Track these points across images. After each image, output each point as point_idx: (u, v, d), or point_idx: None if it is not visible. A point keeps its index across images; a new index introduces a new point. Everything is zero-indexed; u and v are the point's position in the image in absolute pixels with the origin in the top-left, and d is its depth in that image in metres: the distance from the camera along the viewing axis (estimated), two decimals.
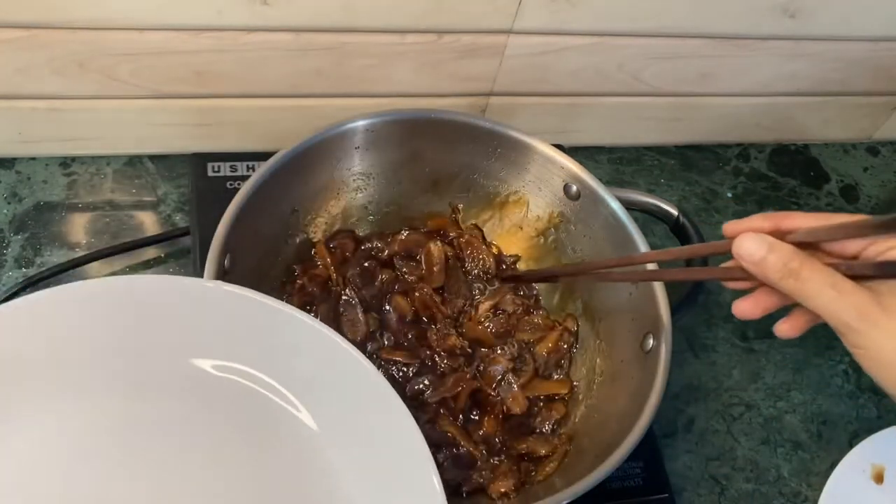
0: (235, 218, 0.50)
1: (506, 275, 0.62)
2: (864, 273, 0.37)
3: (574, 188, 0.59)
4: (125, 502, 0.40)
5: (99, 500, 0.40)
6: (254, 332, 0.43)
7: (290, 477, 0.41)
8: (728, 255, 0.41)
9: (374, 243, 0.62)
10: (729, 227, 0.43)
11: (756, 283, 0.42)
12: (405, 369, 0.56)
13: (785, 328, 0.43)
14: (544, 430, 0.57)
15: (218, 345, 0.43)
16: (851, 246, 0.39)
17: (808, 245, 0.40)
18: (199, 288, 0.43)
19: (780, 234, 0.40)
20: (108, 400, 0.42)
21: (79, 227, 0.63)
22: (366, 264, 0.60)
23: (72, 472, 0.40)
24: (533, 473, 0.54)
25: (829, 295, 0.37)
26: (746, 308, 0.43)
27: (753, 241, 0.39)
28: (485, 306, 0.61)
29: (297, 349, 0.42)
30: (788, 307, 0.44)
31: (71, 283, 0.42)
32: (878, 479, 0.62)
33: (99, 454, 0.41)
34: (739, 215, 0.71)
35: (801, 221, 0.41)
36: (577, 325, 0.61)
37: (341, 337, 0.42)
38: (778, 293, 0.41)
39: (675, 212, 0.60)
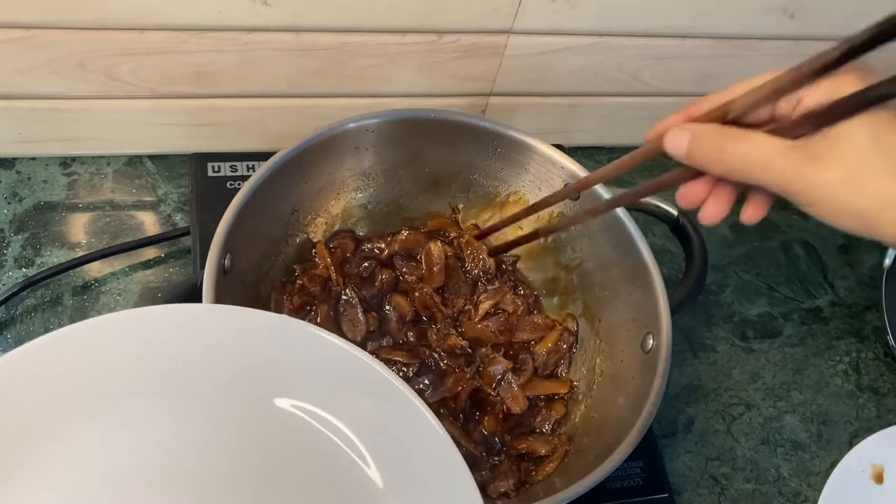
0: (235, 218, 0.50)
1: (495, 249, 0.61)
2: (802, 132, 0.36)
3: None
4: None
5: None
6: (333, 378, 0.42)
7: None
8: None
9: (374, 243, 0.62)
10: (648, 133, 0.42)
11: (699, 175, 0.41)
12: (405, 369, 0.56)
13: (749, 213, 0.42)
14: (544, 430, 0.57)
15: (300, 386, 0.43)
16: (784, 106, 0.38)
17: (742, 118, 0.39)
18: (284, 325, 0.42)
19: (708, 117, 0.39)
20: (184, 425, 0.42)
21: (79, 227, 0.63)
22: (366, 264, 0.60)
23: (135, 492, 0.40)
24: (533, 473, 0.54)
25: (758, 166, 0.36)
26: (711, 210, 0.41)
27: (675, 133, 0.39)
28: (485, 306, 0.61)
29: (373, 401, 0.42)
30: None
31: (156, 307, 0.41)
32: (878, 479, 0.62)
33: (167, 478, 0.41)
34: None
35: (708, 104, 0.40)
36: (577, 325, 0.61)
37: (417, 396, 0.41)
38: (732, 182, 0.40)
39: (675, 212, 0.60)
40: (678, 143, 0.39)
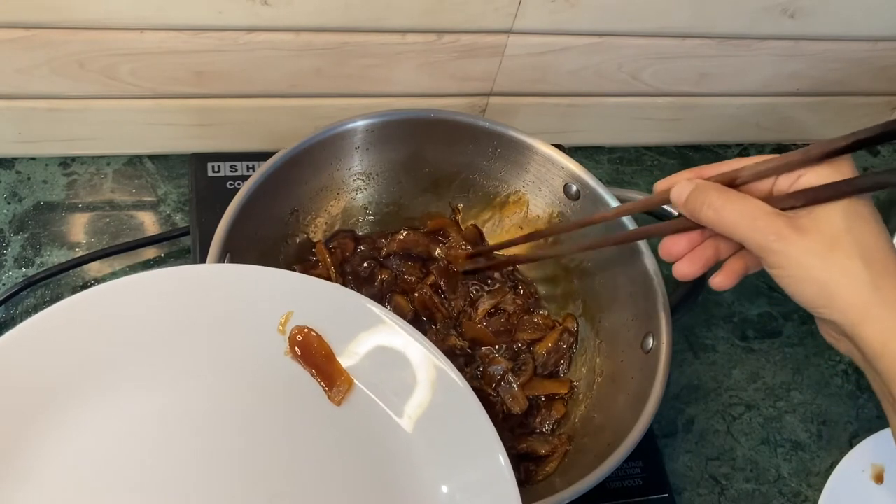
0: (235, 218, 0.50)
1: (467, 268, 0.62)
2: (791, 204, 0.40)
3: (574, 188, 0.59)
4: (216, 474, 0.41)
5: (186, 474, 0.41)
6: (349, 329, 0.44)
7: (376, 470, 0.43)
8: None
9: (374, 243, 0.62)
10: (659, 184, 0.47)
11: (690, 228, 0.45)
12: None
13: (719, 280, 0.46)
14: (544, 430, 0.57)
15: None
16: (783, 182, 0.42)
17: (742, 186, 0.43)
18: (329, 290, 0.44)
19: (717, 179, 0.44)
20: (203, 381, 0.43)
21: (79, 227, 0.63)
22: (365, 264, 0.60)
23: (173, 447, 0.41)
24: (533, 473, 0.54)
25: (746, 221, 0.40)
26: (685, 267, 0.46)
27: (681, 185, 0.44)
28: (485, 306, 0.61)
29: (385, 352, 0.44)
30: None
31: (186, 266, 0.44)
32: (878, 479, 0.62)
33: (194, 432, 0.42)
34: None
35: (719, 168, 0.44)
36: (577, 325, 0.61)
37: (435, 349, 0.43)
38: (712, 247, 0.45)
39: (675, 212, 0.60)
40: (682, 192, 0.44)
